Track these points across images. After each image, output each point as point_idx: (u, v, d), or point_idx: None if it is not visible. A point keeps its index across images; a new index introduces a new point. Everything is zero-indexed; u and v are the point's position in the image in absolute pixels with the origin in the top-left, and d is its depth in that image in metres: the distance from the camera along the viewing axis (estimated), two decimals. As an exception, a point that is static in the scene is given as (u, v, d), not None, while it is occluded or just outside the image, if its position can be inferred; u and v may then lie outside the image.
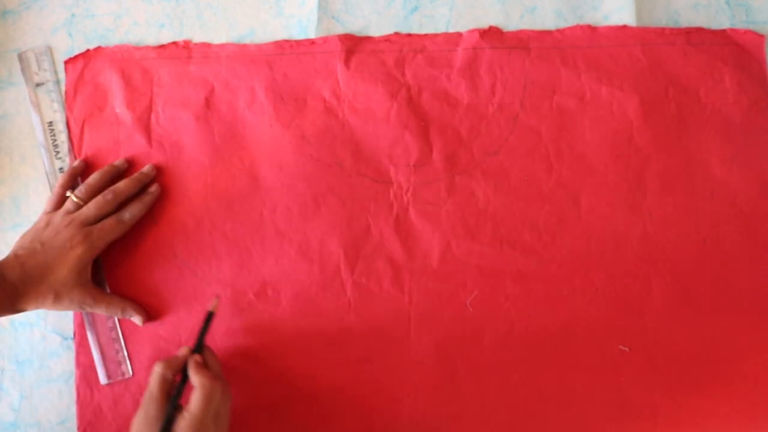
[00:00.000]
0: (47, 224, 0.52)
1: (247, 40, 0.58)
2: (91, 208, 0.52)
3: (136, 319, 0.54)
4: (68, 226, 0.51)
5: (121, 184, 0.54)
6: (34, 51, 0.58)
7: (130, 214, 0.54)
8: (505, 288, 0.55)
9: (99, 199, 0.53)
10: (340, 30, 0.57)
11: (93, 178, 0.54)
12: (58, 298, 0.51)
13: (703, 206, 0.55)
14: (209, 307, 0.52)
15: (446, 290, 0.55)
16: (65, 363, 0.56)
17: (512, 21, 0.58)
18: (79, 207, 0.53)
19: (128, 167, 0.56)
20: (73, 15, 0.58)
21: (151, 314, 0.55)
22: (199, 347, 0.50)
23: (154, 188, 0.55)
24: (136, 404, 0.54)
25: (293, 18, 0.58)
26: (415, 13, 0.58)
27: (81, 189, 0.53)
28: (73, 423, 0.55)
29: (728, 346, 0.54)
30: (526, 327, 0.54)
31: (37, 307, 0.50)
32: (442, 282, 0.55)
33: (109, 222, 0.53)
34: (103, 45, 0.58)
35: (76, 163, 0.56)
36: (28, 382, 0.56)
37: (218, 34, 0.58)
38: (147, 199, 0.55)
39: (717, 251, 0.55)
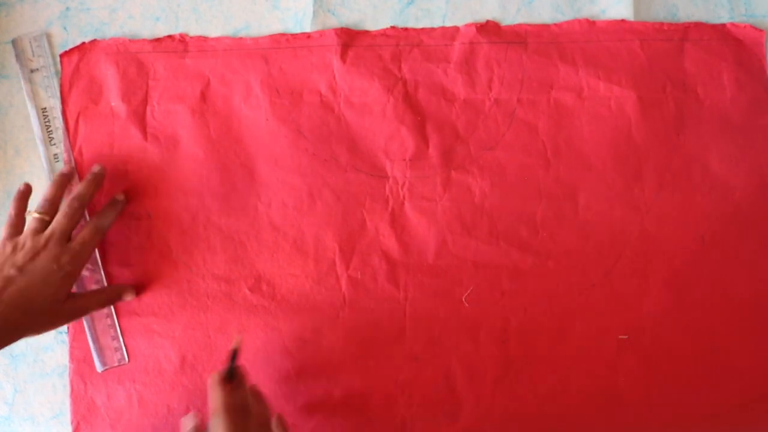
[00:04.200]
0: (15, 249, 0.49)
1: (242, 34, 0.57)
2: (62, 222, 0.50)
3: (129, 296, 0.53)
4: (47, 246, 0.48)
5: (82, 189, 0.52)
6: (29, 37, 0.57)
7: (106, 220, 0.52)
8: (501, 284, 0.54)
9: (66, 209, 0.50)
10: (335, 23, 0.57)
11: (49, 192, 0.52)
12: (50, 321, 0.49)
13: (701, 203, 0.55)
14: (232, 344, 0.50)
15: (442, 286, 0.54)
16: (59, 357, 0.55)
17: (509, 14, 0.58)
18: (45, 224, 0.50)
19: (75, 171, 0.55)
20: (68, 8, 0.58)
21: (144, 308, 0.55)
22: (230, 374, 0.48)
23: (121, 197, 0.54)
24: (130, 399, 0.54)
25: (289, 11, 0.58)
26: (411, 6, 0.58)
27: (42, 205, 0.51)
28: (66, 417, 0.55)
29: (725, 343, 0.54)
30: (521, 323, 0.54)
31: (27, 336, 0.48)
32: (437, 277, 0.55)
33: (88, 234, 0.51)
34: (98, 38, 0.57)
35: (22, 186, 0.53)
36: (22, 376, 0.56)
37: (214, 27, 0.58)
38: (118, 206, 0.54)
39: (715, 248, 0.55)
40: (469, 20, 0.57)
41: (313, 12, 0.57)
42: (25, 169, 0.57)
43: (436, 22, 0.57)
